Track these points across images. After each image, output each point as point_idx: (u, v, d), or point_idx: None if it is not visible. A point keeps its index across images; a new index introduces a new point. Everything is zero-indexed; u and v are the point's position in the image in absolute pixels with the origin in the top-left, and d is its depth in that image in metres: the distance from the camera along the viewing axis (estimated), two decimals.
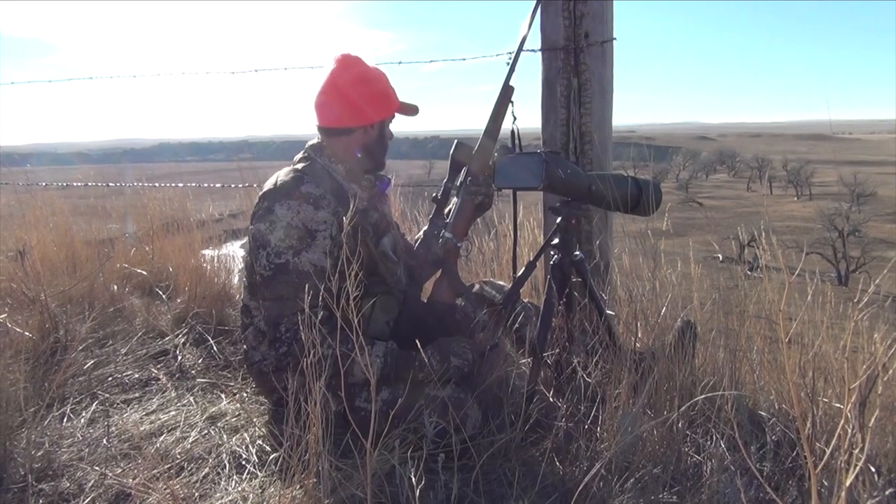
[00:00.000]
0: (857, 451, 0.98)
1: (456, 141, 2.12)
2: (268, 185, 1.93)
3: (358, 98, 1.97)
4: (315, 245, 1.80)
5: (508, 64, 2.13)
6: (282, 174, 1.93)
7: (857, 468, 0.92)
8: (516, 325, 2.09)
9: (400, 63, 2.99)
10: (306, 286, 1.50)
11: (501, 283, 2.39)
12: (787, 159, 67.43)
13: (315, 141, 2.04)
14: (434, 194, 2.19)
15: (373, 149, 2.04)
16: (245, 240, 2.11)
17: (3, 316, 2.59)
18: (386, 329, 1.96)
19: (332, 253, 1.82)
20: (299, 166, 1.95)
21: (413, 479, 1.26)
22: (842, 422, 1.02)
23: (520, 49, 2.13)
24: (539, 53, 2.40)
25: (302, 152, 2.03)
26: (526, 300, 2.32)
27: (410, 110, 2.10)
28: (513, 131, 2.14)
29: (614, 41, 2.34)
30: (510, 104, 2.10)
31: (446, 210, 2.14)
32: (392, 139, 2.10)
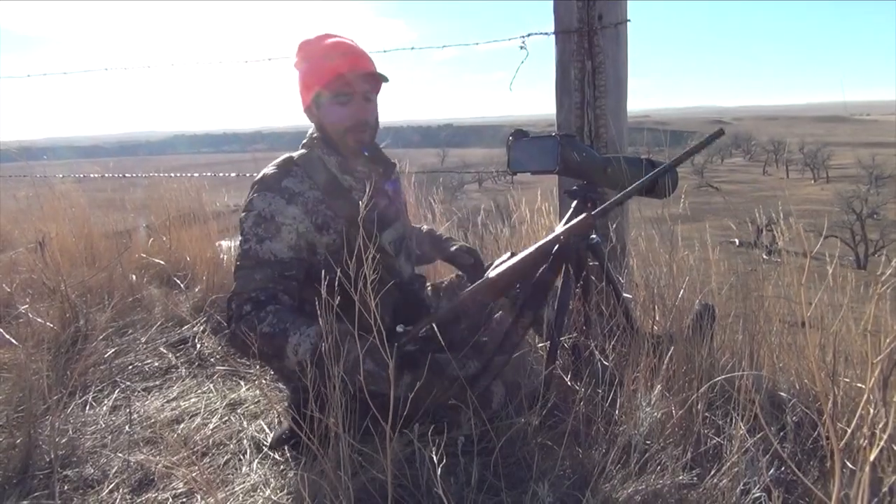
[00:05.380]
0: (879, 428, 0.97)
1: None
2: (260, 173, 1.89)
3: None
4: (279, 237, 1.76)
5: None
6: (274, 163, 1.89)
7: (881, 446, 0.91)
8: None
9: (413, 49, 2.99)
10: (262, 272, 1.71)
11: None
12: (804, 142, 66.58)
13: (313, 129, 1.97)
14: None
15: (321, 132, 1.93)
16: None
17: (24, 307, 2.63)
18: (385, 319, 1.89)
19: (301, 248, 1.78)
20: (295, 155, 1.91)
21: (434, 458, 1.26)
22: (864, 399, 1.01)
23: None
24: (552, 36, 2.38)
25: (305, 139, 1.97)
26: None
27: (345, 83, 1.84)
28: None
29: (628, 23, 2.32)
30: None
31: None
32: (352, 121, 1.86)
